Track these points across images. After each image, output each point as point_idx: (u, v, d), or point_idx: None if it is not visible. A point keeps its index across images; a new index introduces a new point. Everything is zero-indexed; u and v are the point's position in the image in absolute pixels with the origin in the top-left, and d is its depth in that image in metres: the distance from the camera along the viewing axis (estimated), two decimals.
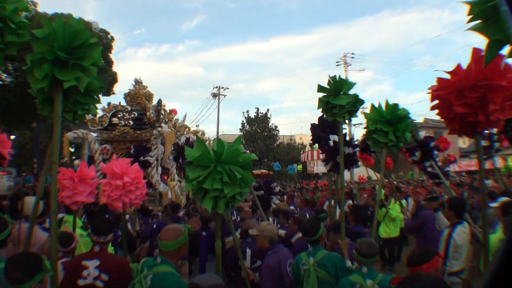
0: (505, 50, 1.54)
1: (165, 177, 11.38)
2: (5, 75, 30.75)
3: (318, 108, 5.00)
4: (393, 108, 4.90)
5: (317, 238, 4.18)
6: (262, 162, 41.78)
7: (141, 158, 7.46)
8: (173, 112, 14.29)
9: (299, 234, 5.57)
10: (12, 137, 33.87)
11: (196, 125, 32.88)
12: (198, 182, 3.03)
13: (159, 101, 11.34)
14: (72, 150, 11.82)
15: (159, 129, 10.48)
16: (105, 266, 3.55)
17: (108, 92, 30.71)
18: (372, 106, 5.05)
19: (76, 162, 15.03)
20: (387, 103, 5.00)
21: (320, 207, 11.06)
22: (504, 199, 5.85)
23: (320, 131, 6.19)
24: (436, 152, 7.64)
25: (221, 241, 3.65)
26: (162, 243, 3.27)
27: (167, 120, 12.20)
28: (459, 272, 5.02)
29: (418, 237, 6.89)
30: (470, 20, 1.63)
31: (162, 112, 12.05)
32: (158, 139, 10.29)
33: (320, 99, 4.89)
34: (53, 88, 3.08)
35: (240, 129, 45.40)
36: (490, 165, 10.63)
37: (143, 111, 11.58)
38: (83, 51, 3.07)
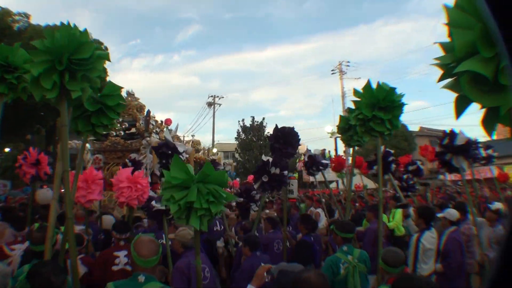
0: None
1: (158, 186, 11.46)
2: None
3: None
4: (390, 92, 4.48)
5: (352, 237, 4.83)
6: None
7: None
8: (167, 122, 14.35)
9: None
10: (7, 149, 33.98)
11: (192, 135, 32.94)
12: (185, 202, 2.98)
13: (148, 112, 11.47)
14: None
15: (148, 139, 10.59)
16: None
17: None
18: (366, 88, 4.54)
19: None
20: (380, 85, 4.50)
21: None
22: (449, 210, 6.15)
23: (275, 142, 6.30)
24: (394, 166, 8.00)
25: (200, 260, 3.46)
26: (146, 260, 2.92)
27: (158, 130, 12.27)
28: (429, 276, 5.20)
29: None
30: (441, 78, 1.82)
31: (153, 122, 12.15)
32: (147, 149, 10.38)
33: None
34: (57, 98, 3.21)
35: (235, 137, 45.17)
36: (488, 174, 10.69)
37: (134, 121, 11.66)
38: (91, 63, 3.14)
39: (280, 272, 2.95)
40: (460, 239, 5.61)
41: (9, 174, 32.97)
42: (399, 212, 9.01)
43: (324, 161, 8.03)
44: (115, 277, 4.23)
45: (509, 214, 4.54)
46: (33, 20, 29.65)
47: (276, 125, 6.37)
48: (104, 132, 4.21)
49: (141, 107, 12.59)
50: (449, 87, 1.77)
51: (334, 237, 4.96)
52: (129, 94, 13.04)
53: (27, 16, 29.27)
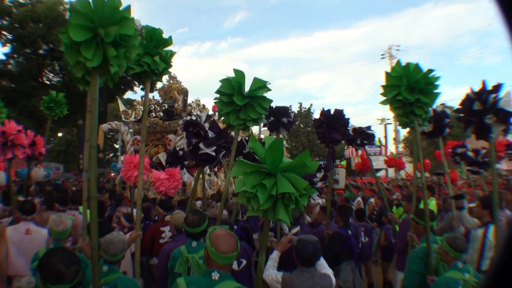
0: None
1: (195, 170, 11.34)
2: (52, 74, 31.94)
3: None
4: (428, 74, 4.11)
5: (434, 225, 4.98)
6: None
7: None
8: (214, 108, 14.25)
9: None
10: (60, 134, 35.43)
11: None
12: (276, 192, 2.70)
13: (186, 92, 11.32)
14: (117, 146, 12.13)
15: (185, 118, 10.41)
16: None
17: (151, 88, 31.19)
18: (404, 69, 4.14)
19: (122, 158, 15.15)
20: (416, 66, 4.10)
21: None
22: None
23: (317, 127, 5.89)
24: (448, 130, 6.67)
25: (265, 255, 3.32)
26: (226, 257, 2.57)
27: (198, 112, 12.12)
28: None
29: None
30: None
31: (194, 105, 12.05)
32: None
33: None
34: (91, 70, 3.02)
35: None
36: None
37: (174, 103, 11.58)
38: (133, 40, 3.01)
39: (299, 241, 3.45)
40: None
41: (62, 158, 34.51)
42: (433, 204, 8.40)
43: (369, 131, 6.98)
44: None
45: None
46: None
47: (323, 109, 5.83)
48: (252, 126, 4.58)
49: (182, 90, 12.50)
50: None
51: (415, 226, 4.68)
52: (171, 77, 13.01)
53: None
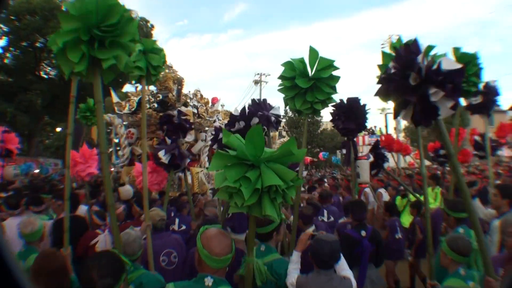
0: None
1: (195, 164, 11.01)
2: (49, 68, 31.67)
3: None
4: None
5: (467, 216, 4.18)
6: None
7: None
8: (214, 100, 13.96)
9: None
10: (58, 129, 35.24)
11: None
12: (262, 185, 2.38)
13: (180, 81, 10.97)
14: (117, 140, 11.81)
15: (179, 109, 10.08)
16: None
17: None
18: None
19: (120, 153, 14.89)
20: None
21: (360, 194, 10.26)
22: None
23: (332, 118, 5.46)
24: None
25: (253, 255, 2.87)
26: (220, 260, 2.36)
27: (198, 105, 11.80)
28: None
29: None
30: None
31: (191, 95, 11.73)
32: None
33: None
34: (89, 72, 2.87)
35: (283, 115, 44.37)
36: None
37: (168, 93, 11.23)
38: (120, 28, 2.83)
39: (316, 240, 3.18)
40: None
41: (60, 153, 34.30)
42: (438, 193, 8.05)
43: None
44: None
45: None
46: None
47: (341, 100, 5.28)
48: (322, 109, 4.16)
49: (178, 80, 12.15)
50: None
51: (446, 218, 4.42)
52: (167, 66, 12.65)
53: None
